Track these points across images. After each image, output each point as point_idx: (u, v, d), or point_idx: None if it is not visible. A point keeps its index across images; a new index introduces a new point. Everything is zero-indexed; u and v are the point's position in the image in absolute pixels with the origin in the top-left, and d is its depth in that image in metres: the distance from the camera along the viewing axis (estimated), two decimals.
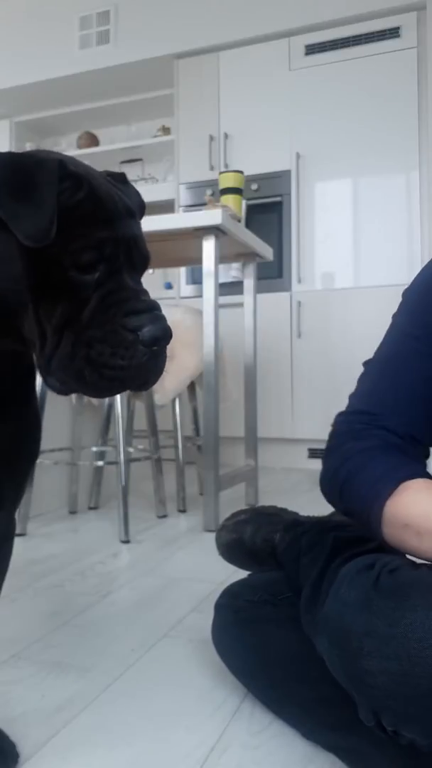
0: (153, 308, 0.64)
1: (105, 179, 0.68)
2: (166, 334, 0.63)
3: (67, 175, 0.62)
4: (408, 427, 0.79)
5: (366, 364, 0.87)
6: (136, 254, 0.66)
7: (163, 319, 0.64)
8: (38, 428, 0.79)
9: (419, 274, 0.89)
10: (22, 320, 0.64)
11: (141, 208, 0.75)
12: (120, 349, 0.62)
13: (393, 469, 0.73)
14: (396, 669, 0.60)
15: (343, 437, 0.81)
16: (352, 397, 0.86)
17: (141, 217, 0.75)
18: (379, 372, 0.84)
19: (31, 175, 0.60)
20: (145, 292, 0.66)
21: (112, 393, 0.66)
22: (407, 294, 0.89)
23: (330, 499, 0.82)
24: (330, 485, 0.80)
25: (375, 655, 0.61)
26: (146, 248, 0.68)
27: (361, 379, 0.86)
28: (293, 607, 0.84)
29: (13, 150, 3.63)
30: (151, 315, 0.63)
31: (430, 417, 0.80)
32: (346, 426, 0.82)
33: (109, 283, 0.63)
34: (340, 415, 0.84)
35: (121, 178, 0.73)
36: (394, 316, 0.88)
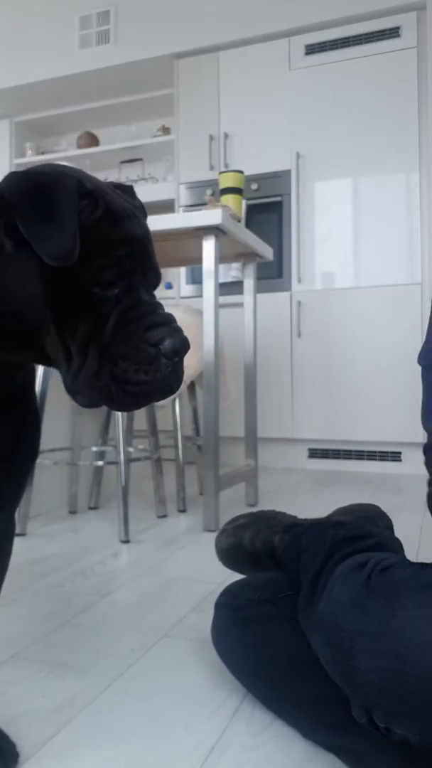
0: (170, 321, 0.65)
1: (116, 193, 0.69)
2: (185, 346, 0.65)
3: (85, 193, 0.63)
4: None
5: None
6: (149, 269, 0.68)
7: (180, 331, 0.65)
8: (37, 428, 0.79)
9: None
10: (44, 338, 0.64)
11: (144, 218, 0.76)
12: (143, 364, 0.63)
13: None
14: (386, 667, 0.60)
15: None
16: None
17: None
18: None
19: (51, 195, 0.60)
20: (161, 306, 0.67)
21: (137, 407, 0.67)
22: None
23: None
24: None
25: (366, 653, 0.62)
26: (157, 264, 0.70)
27: None
28: (293, 606, 0.84)
29: (13, 150, 3.62)
30: (170, 328, 0.64)
31: None
32: None
33: (127, 299, 0.64)
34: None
35: (128, 191, 0.73)
36: None
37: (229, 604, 0.96)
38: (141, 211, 0.73)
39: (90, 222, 0.62)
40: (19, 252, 0.61)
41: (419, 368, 0.88)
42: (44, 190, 0.60)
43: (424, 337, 0.83)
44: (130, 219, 0.66)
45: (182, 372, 0.67)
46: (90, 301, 0.63)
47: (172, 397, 0.69)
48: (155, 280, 0.69)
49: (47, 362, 0.67)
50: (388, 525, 1.12)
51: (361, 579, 0.67)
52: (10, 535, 0.83)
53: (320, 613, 0.69)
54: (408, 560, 0.75)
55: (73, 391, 0.66)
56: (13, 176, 0.62)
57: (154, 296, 0.68)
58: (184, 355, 0.66)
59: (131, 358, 0.63)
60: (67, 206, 0.60)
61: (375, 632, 0.62)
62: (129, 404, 0.65)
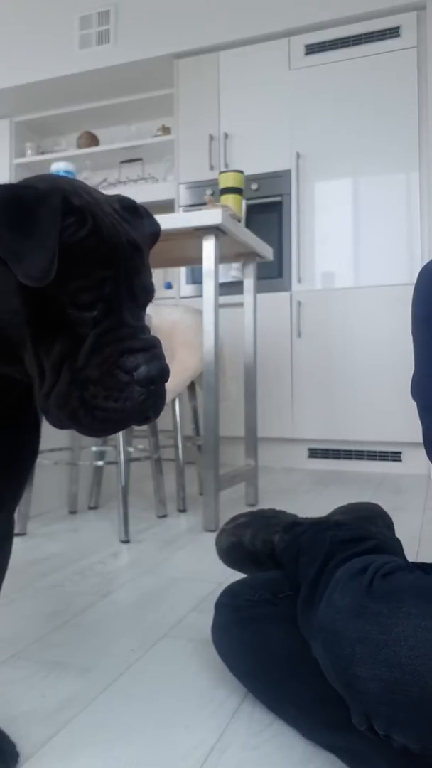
0: (151, 346, 0.62)
1: (112, 209, 0.66)
2: (162, 373, 0.62)
3: (71, 210, 0.60)
4: None
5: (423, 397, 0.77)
6: (138, 290, 0.65)
7: (160, 357, 0.63)
8: (37, 430, 0.79)
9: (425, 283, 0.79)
10: (23, 354, 0.63)
11: (154, 237, 0.73)
12: (114, 391, 0.61)
13: None
14: (387, 676, 0.60)
15: None
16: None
17: (155, 242, 0.73)
18: None
19: (32, 211, 0.58)
20: (145, 329, 0.65)
21: (106, 433, 0.65)
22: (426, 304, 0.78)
23: None
24: None
25: (367, 661, 0.62)
26: (150, 282, 0.67)
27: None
28: (293, 606, 0.84)
29: (13, 150, 3.61)
30: (148, 354, 0.62)
31: None
32: None
33: (107, 321, 0.62)
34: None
35: (130, 208, 0.70)
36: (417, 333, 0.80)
37: (229, 604, 0.96)
38: (149, 227, 0.71)
39: (74, 240, 0.60)
40: (1, 266, 0.59)
41: None
42: (25, 206, 0.58)
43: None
44: (120, 237, 0.63)
45: (162, 399, 0.65)
46: (66, 321, 0.61)
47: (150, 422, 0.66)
48: (144, 299, 0.66)
49: (28, 377, 0.65)
50: (388, 524, 1.12)
51: (362, 585, 0.67)
52: (9, 536, 0.83)
53: (320, 619, 0.68)
54: (409, 564, 0.75)
55: (42, 408, 0.64)
56: None
57: (141, 318, 0.66)
58: (161, 383, 0.63)
59: (102, 383, 0.61)
60: (48, 224, 0.58)
61: (377, 641, 0.62)
62: (97, 429, 0.63)
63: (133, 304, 0.64)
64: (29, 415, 0.77)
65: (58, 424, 0.65)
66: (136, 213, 0.70)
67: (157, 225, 0.74)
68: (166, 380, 0.64)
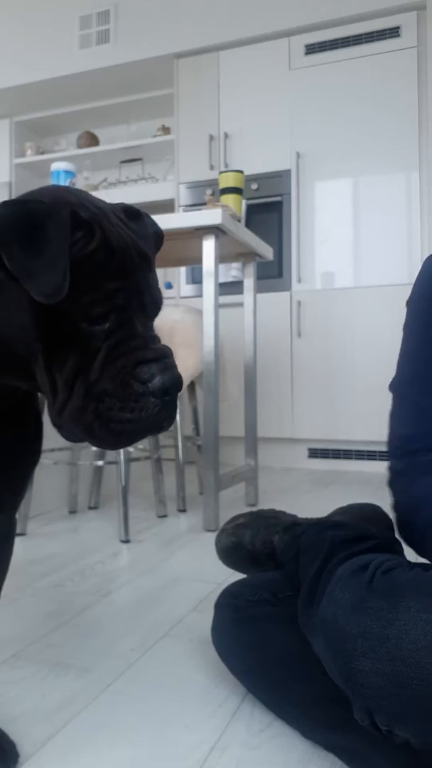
0: (164, 356, 0.62)
1: (117, 218, 0.65)
2: (176, 383, 0.62)
3: (79, 224, 0.60)
4: None
5: (397, 387, 0.83)
6: (148, 300, 0.65)
7: (173, 367, 0.62)
8: (39, 434, 0.79)
9: (421, 284, 0.85)
10: (34, 370, 0.63)
11: (158, 239, 0.72)
12: (129, 402, 0.60)
13: None
14: (389, 670, 0.60)
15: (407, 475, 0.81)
16: (394, 422, 0.83)
17: (158, 249, 0.72)
18: (417, 395, 0.81)
19: (42, 227, 0.57)
20: (156, 339, 0.64)
21: (121, 446, 0.64)
22: (418, 304, 0.85)
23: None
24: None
25: (369, 656, 0.62)
26: (159, 292, 0.67)
27: (401, 402, 0.83)
28: (293, 606, 0.84)
29: (13, 150, 3.60)
30: (161, 364, 0.61)
31: None
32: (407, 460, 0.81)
33: (119, 333, 0.61)
34: (400, 441, 0.83)
35: (134, 215, 0.70)
36: (408, 327, 0.85)
37: (228, 605, 0.96)
38: (151, 229, 0.70)
39: (83, 254, 0.59)
40: (10, 283, 0.59)
41: None
42: (34, 222, 0.58)
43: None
44: (128, 248, 0.62)
45: (175, 408, 0.64)
46: (79, 335, 0.60)
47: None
48: (153, 309, 0.66)
49: (41, 390, 0.65)
50: (388, 525, 1.11)
51: (363, 581, 0.67)
52: (10, 537, 0.84)
53: (322, 616, 0.69)
54: (409, 562, 0.75)
55: (55, 423, 0.64)
56: (5, 207, 0.59)
57: (151, 328, 0.66)
58: (175, 393, 0.63)
59: (118, 395, 0.60)
60: (58, 240, 0.57)
61: (378, 635, 0.62)
62: (113, 443, 0.63)
63: (143, 314, 0.64)
64: (31, 418, 0.77)
65: (72, 438, 0.64)
66: (140, 220, 0.70)
67: (160, 230, 0.73)
68: (180, 390, 0.63)
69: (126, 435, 0.62)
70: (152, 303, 0.65)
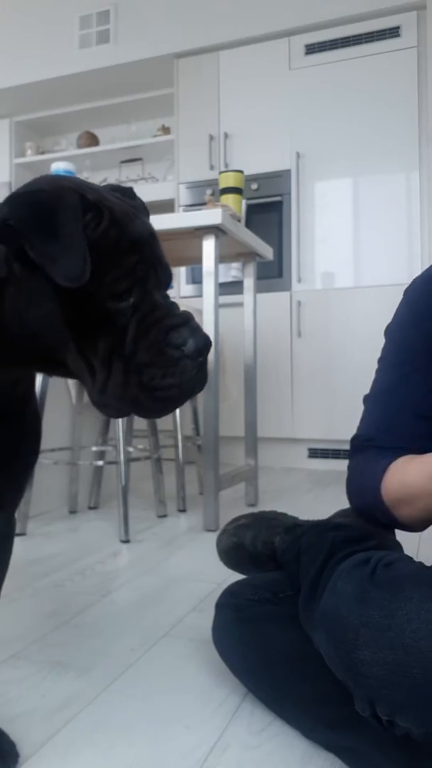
0: (189, 320, 0.64)
1: (117, 197, 0.67)
2: (208, 343, 0.64)
3: (87, 206, 0.61)
4: (398, 443, 0.88)
5: (365, 399, 0.97)
6: (161, 271, 0.66)
7: (200, 329, 0.65)
8: (38, 431, 0.79)
9: (397, 313, 0.97)
10: (66, 355, 0.64)
11: (147, 213, 0.75)
12: (169, 368, 0.63)
13: (382, 465, 0.87)
14: (391, 659, 0.61)
15: (355, 459, 0.95)
16: (360, 422, 0.96)
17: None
18: (374, 404, 0.95)
19: (54, 214, 0.59)
20: (176, 306, 0.66)
21: (167, 412, 0.67)
22: (390, 332, 0.98)
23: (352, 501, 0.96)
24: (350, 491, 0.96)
25: (370, 645, 0.62)
26: (167, 262, 0.68)
27: (365, 410, 0.96)
28: (294, 605, 0.84)
29: (13, 149, 3.60)
30: (190, 327, 0.64)
31: (416, 433, 0.88)
32: (358, 452, 0.95)
33: (143, 305, 0.63)
34: (353, 440, 0.96)
35: (129, 194, 0.72)
36: (382, 351, 1.00)
37: (229, 604, 0.96)
38: (144, 211, 0.72)
39: (97, 235, 0.61)
40: (30, 275, 0.60)
41: None
42: (48, 211, 0.59)
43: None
44: (134, 223, 0.64)
45: (206, 371, 0.67)
46: (107, 314, 0.62)
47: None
48: (167, 279, 0.68)
49: (71, 376, 0.66)
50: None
51: (365, 574, 0.68)
52: (10, 536, 0.84)
53: (323, 607, 0.69)
54: (410, 557, 0.75)
55: (98, 402, 0.65)
56: (14, 200, 0.60)
57: (167, 296, 0.67)
58: (207, 354, 0.65)
59: (156, 363, 0.62)
60: (73, 225, 0.59)
61: (380, 624, 0.62)
62: (159, 410, 0.65)
63: (159, 285, 0.66)
64: (30, 414, 0.77)
65: (116, 414, 0.66)
66: (133, 196, 0.72)
67: (145, 205, 0.75)
68: (209, 350, 0.65)
69: (171, 400, 0.64)
70: (165, 273, 0.67)
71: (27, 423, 0.76)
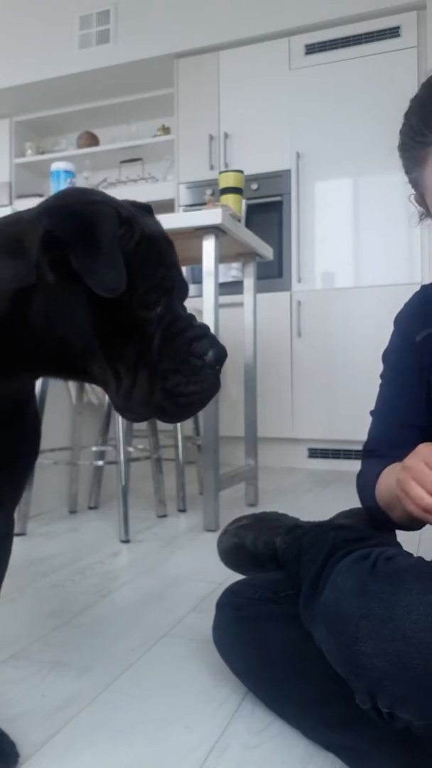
0: (208, 331, 0.69)
1: (140, 212, 0.70)
2: (225, 353, 0.69)
3: (122, 222, 0.65)
4: (395, 451, 0.93)
5: (371, 413, 1.08)
6: (181, 282, 0.70)
7: (217, 339, 0.69)
8: (38, 430, 0.80)
9: (391, 340, 1.09)
10: (91, 363, 0.66)
11: None
12: (192, 376, 0.67)
13: (376, 472, 0.96)
14: (391, 650, 0.61)
15: (361, 467, 1.05)
16: (367, 434, 1.07)
17: None
18: (375, 417, 1.07)
19: (96, 227, 0.62)
20: (194, 318, 0.70)
21: (188, 417, 0.71)
22: (386, 356, 1.10)
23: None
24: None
25: (371, 637, 0.63)
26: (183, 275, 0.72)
27: (370, 423, 1.07)
28: (294, 605, 0.85)
29: (13, 149, 3.60)
30: (210, 338, 0.68)
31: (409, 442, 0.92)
32: (364, 461, 1.05)
33: (168, 316, 0.67)
34: (362, 449, 1.07)
35: (148, 209, 0.75)
36: (382, 373, 1.10)
37: (230, 603, 0.96)
38: (161, 226, 0.75)
39: (130, 249, 0.64)
40: (64, 284, 0.63)
41: None
42: (90, 224, 0.62)
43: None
44: (161, 239, 0.68)
45: (220, 379, 0.71)
46: (136, 323, 0.65)
47: None
48: (185, 292, 0.72)
49: (93, 381, 0.69)
50: (391, 529, 1.12)
51: (365, 568, 0.69)
52: (9, 535, 0.84)
53: (324, 602, 0.70)
54: (410, 553, 0.76)
55: (123, 408, 0.68)
56: (54, 212, 0.63)
57: (185, 308, 0.71)
58: (223, 363, 0.70)
59: (180, 371, 0.66)
60: (112, 238, 0.62)
61: (381, 616, 0.63)
62: (181, 415, 0.69)
63: (180, 296, 0.70)
64: (30, 414, 0.77)
65: (139, 419, 0.70)
66: (151, 213, 0.76)
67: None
68: (226, 359, 0.70)
69: (193, 406, 0.69)
70: (185, 286, 0.71)
71: (27, 423, 0.77)
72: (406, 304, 1.06)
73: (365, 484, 1.00)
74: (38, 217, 0.63)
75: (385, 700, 0.63)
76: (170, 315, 0.67)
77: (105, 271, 0.60)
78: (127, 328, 0.65)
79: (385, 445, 0.98)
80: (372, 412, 1.07)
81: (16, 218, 0.66)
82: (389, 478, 0.89)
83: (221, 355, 0.68)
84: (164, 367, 0.66)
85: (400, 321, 1.06)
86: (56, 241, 0.61)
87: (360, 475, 1.04)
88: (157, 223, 0.72)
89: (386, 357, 1.09)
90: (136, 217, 0.67)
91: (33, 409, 0.78)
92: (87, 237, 0.61)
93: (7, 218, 0.67)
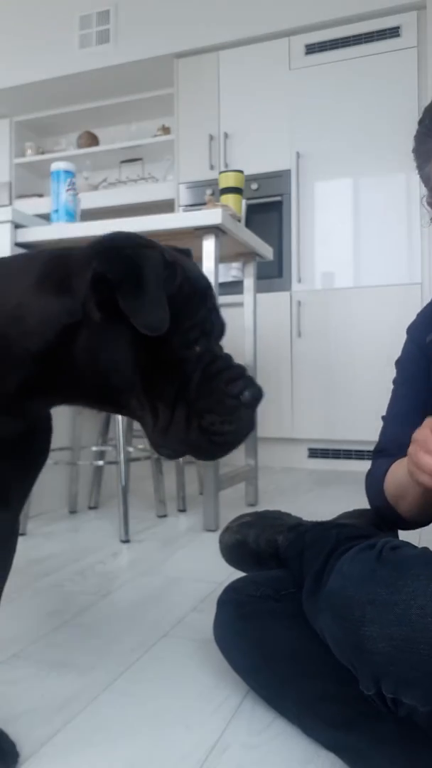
0: (245, 372, 0.71)
1: (181, 256, 0.73)
2: (261, 394, 0.70)
3: (166, 264, 0.67)
4: (404, 450, 0.91)
5: (382, 418, 1.11)
6: (219, 323, 0.73)
7: (254, 380, 0.71)
8: (49, 431, 0.82)
9: (404, 348, 1.10)
10: (129, 398, 0.68)
11: None
12: (227, 416, 0.68)
13: (384, 469, 0.98)
14: (397, 635, 0.62)
15: (371, 467, 1.07)
16: (379, 437, 1.10)
17: None
18: (386, 420, 1.10)
19: (142, 269, 0.64)
20: (230, 358, 0.73)
21: (222, 455, 0.73)
22: (400, 363, 1.10)
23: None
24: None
25: (376, 622, 0.63)
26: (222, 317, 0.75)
27: (382, 426, 1.10)
28: (295, 603, 0.85)
29: (13, 149, 3.60)
30: (246, 379, 0.70)
31: None
32: (373, 461, 1.07)
33: (206, 356, 0.69)
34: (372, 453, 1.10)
35: (187, 253, 0.78)
36: (394, 379, 1.11)
37: (231, 600, 0.96)
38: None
39: (174, 290, 0.67)
40: (110, 322, 0.65)
41: None
42: (137, 267, 0.64)
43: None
44: (201, 281, 0.71)
45: (255, 418, 0.73)
46: (176, 361, 0.67)
47: None
48: (223, 332, 0.74)
49: (130, 415, 0.71)
50: (392, 530, 1.13)
51: (372, 556, 0.70)
52: (15, 534, 0.85)
53: (330, 589, 0.70)
54: (413, 544, 0.77)
55: (159, 444, 0.70)
56: (103, 254, 0.65)
57: (221, 347, 0.74)
58: (259, 404, 0.71)
59: (216, 410, 0.68)
60: (157, 281, 0.64)
61: (386, 600, 0.63)
62: (215, 453, 0.71)
63: (218, 336, 0.72)
64: (43, 419, 0.78)
65: (172, 455, 0.72)
66: (189, 256, 0.78)
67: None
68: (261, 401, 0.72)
69: (227, 445, 0.70)
70: (223, 327, 0.74)
71: (40, 423, 0.78)
72: (418, 315, 1.10)
73: (373, 482, 1.01)
74: (88, 259, 0.66)
75: (389, 685, 0.63)
76: (209, 355, 0.69)
77: (150, 310, 0.63)
78: (167, 367, 0.67)
79: (396, 445, 0.99)
80: (383, 417, 1.09)
81: (64, 256, 0.69)
82: (397, 470, 0.90)
83: (257, 395, 0.70)
84: (201, 405, 0.68)
85: (412, 329, 1.08)
86: (105, 282, 0.64)
87: (369, 474, 1.05)
88: (197, 267, 0.75)
89: (399, 364, 1.10)
90: (179, 261, 0.70)
91: (47, 414, 0.79)
92: (134, 279, 0.63)
93: (52, 255, 0.69)
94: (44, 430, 0.80)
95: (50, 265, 0.68)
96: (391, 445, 1.02)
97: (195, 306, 0.69)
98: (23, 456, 0.76)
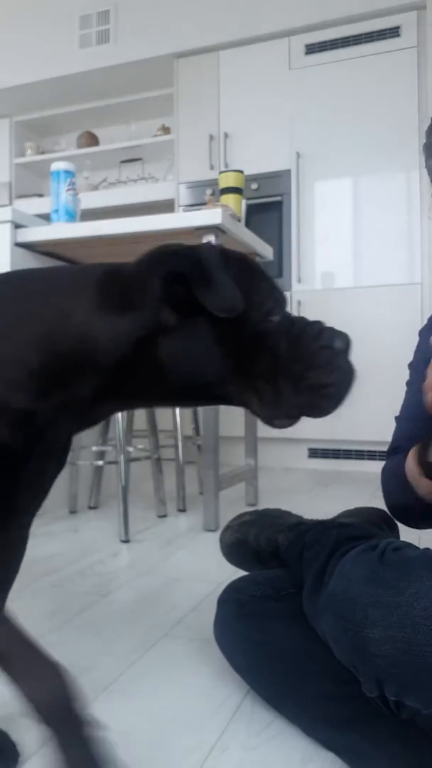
0: (325, 324, 0.72)
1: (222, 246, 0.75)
2: (350, 338, 0.71)
3: (226, 256, 0.71)
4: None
5: (397, 419, 1.10)
6: (280, 292, 0.75)
7: (336, 329, 0.72)
8: (68, 447, 0.83)
9: (418, 349, 1.10)
10: (225, 386, 0.69)
11: None
12: (329, 366, 0.69)
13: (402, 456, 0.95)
14: (400, 637, 0.61)
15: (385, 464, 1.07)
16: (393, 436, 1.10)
17: None
18: (398, 419, 1.08)
19: (203, 260, 0.67)
20: (304, 317, 0.74)
21: (338, 406, 0.73)
22: (414, 364, 1.10)
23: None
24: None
25: (379, 624, 0.63)
26: None
27: (396, 426, 1.10)
28: (295, 602, 0.85)
29: (13, 149, 3.60)
30: (330, 329, 0.71)
31: None
32: (387, 459, 1.07)
33: (284, 322, 0.71)
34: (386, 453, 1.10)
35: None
36: (407, 384, 1.11)
37: (232, 600, 0.96)
38: None
39: (234, 272, 0.69)
40: (186, 324, 0.67)
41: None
42: (199, 259, 0.67)
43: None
44: (251, 261, 0.75)
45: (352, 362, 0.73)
46: (260, 336, 0.68)
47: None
48: (286, 302, 0.76)
49: (227, 404, 0.72)
50: (391, 526, 1.12)
51: (374, 557, 0.69)
52: (25, 540, 0.86)
53: (332, 590, 0.70)
54: (416, 546, 0.77)
55: (273, 417, 0.71)
56: (168, 257, 0.67)
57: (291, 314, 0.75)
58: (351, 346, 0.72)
59: (315, 365, 0.69)
60: (219, 267, 0.67)
61: (389, 602, 0.63)
62: (331, 406, 0.71)
63: (285, 305, 0.74)
64: None
65: (289, 424, 0.73)
66: None
67: None
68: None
69: (339, 394, 0.71)
70: (284, 297, 0.75)
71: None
72: (429, 318, 1.10)
73: (389, 478, 1.01)
74: (146, 269, 0.67)
75: (392, 687, 0.63)
76: (286, 320, 0.70)
77: (224, 293, 0.65)
78: (254, 345, 0.68)
79: (410, 442, 0.99)
80: (396, 418, 1.09)
81: (115, 272, 0.69)
82: (415, 455, 0.90)
83: (347, 339, 0.70)
84: (300, 367, 0.68)
85: (424, 332, 1.10)
86: (175, 283, 0.65)
87: (384, 471, 1.05)
88: (238, 252, 0.77)
89: (412, 365, 1.12)
90: (225, 249, 0.73)
91: None
92: (200, 270, 0.65)
93: (105, 271, 0.70)
94: (65, 450, 0.81)
95: (105, 281, 0.68)
96: (405, 443, 1.01)
97: (257, 281, 0.71)
98: (48, 473, 0.78)
